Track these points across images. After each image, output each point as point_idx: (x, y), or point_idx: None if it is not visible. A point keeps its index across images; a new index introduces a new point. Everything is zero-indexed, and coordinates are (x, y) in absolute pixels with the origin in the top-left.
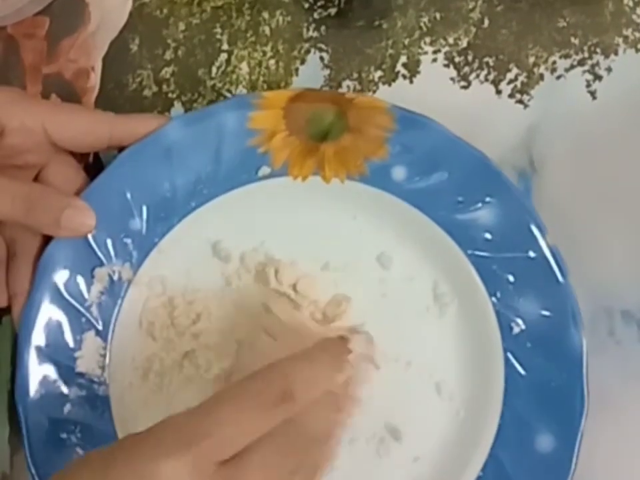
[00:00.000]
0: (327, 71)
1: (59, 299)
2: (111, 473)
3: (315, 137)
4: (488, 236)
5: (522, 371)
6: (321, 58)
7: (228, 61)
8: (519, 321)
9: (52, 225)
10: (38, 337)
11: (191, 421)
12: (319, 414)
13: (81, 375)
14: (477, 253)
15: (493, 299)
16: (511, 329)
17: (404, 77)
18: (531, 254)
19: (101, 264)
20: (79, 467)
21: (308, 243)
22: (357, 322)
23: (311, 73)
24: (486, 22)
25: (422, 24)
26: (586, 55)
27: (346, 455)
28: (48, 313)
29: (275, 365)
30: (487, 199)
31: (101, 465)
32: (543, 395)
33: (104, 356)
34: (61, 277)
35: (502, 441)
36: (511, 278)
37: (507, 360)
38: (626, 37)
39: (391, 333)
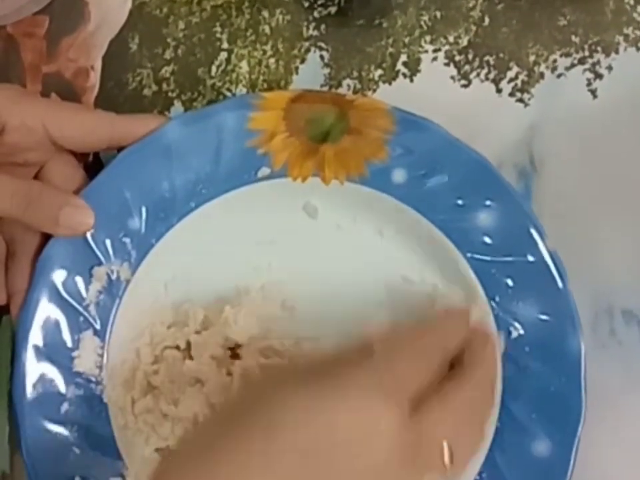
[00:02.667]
0: (327, 70)
1: (57, 298)
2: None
3: (315, 138)
4: (487, 239)
5: (520, 375)
6: (321, 57)
7: (228, 60)
8: (518, 325)
9: (50, 222)
10: (35, 336)
11: (370, 366)
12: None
13: (79, 374)
14: (476, 256)
15: (492, 302)
16: (510, 332)
17: (404, 75)
18: (530, 258)
19: (100, 263)
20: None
21: (307, 244)
22: (355, 323)
23: (311, 71)
24: (486, 20)
25: (422, 22)
26: (586, 53)
27: None
28: (46, 312)
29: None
30: (487, 203)
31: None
32: (540, 400)
33: (101, 355)
34: (59, 276)
35: (499, 445)
36: (510, 282)
37: (505, 363)
38: (627, 36)
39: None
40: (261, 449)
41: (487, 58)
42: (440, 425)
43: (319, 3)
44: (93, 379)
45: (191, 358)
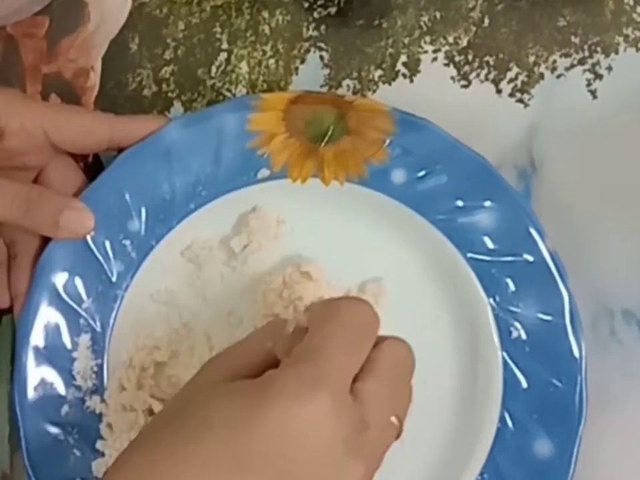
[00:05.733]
0: (327, 70)
1: (57, 301)
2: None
3: (314, 139)
4: (487, 239)
5: (520, 376)
6: (321, 57)
7: (228, 60)
8: (518, 325)
9: (50, 226)
10: (36, 338)
11: (304, 365)
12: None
13: (79, 376)
14: (476, 256)
15: (492, 302)
16: (510, 333)
17: (404, 76)
18: (530, 258)
19: (100, 265)
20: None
21: (306, 245)
22: None
23: (311, 72)
24: (486, 21)
25: (422, 23)
26: (586, 53)
27: None
28: (46, 314)
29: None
30: (486, 203)
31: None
32: (541, 400)
33: (102, 358)
34: (59, 278)
35: (500, 446)
36: (510, 282)
37: (505, 364)
38: (626, 36)
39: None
40: (199, 452)
41: (486, 58)
42: (381, 401)
43: (319, 3)
44: (93, 381)
45: None
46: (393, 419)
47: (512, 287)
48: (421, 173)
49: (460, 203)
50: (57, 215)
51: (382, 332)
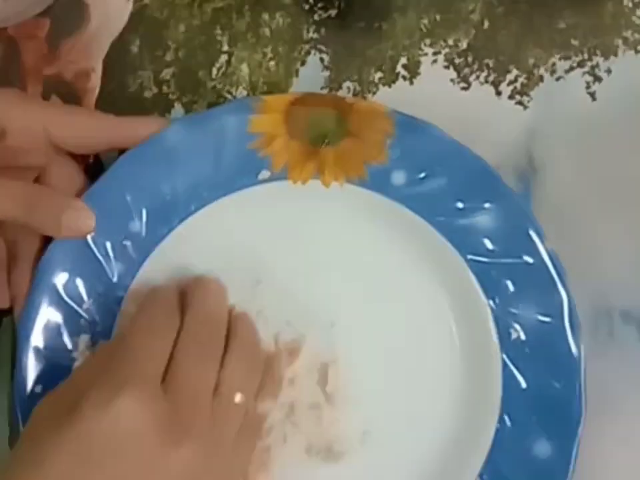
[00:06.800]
0: (327, 72)
1: (58, 301)
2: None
3: (315, 140)
4: (487, 241)
5: (520, 377)
6: (321, 59)
7: (228, 63)
8: (517, 326)
9: (52, 225)
10: (37, 339)
11: (113, 362)
12: None
13: None
14: (476, 258)
15: (492, 304)
16: (509, 334)
17: (404, 78)
18: (530, 260)
19: (101, 266)
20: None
21: (306, 246)
22: (351, 323)
23: (311, 74)
24: (486, 23)
25: (422, 25)
26: (586, 56)
27: (345, 461)
28: (47, 314)
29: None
30: (486, 205)
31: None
32: (540, 401)
33: None
34: (60, 278)
35: (499, 447)
36: (510, 283)
37: (504, 365)
38: (626, 39)
39: (387, 337)
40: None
41: (486, 61)
42: (188, 378)
43: (319, 5)
44: None
45: None
46: (238, 397)
47: (511, 288)
48: (421, 175)
49: (460, 205)
50: (58, 215)
51: (382, 333)
